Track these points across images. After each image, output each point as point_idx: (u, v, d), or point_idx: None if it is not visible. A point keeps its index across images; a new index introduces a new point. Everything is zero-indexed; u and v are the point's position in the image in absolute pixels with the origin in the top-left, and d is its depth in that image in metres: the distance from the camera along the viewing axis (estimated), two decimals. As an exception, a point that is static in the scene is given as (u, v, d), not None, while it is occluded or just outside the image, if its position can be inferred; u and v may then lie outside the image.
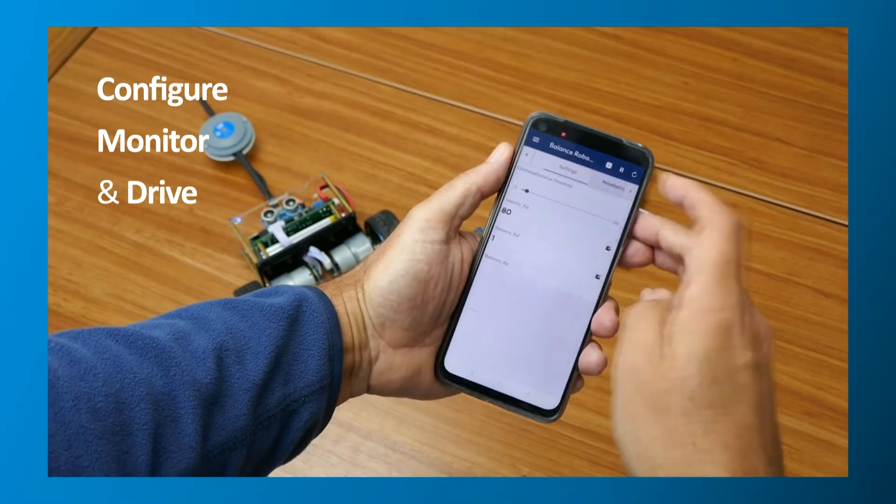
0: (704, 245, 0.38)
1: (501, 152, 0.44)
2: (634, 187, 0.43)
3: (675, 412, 0.36)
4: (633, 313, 0.39)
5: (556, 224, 0.43)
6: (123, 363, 0.37)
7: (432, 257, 0.42)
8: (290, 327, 0.42)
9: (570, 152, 0.43)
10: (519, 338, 0.44)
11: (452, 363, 0.44)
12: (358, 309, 0.44)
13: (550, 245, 0.43)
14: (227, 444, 0.39)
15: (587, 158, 0.43)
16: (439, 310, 0.44)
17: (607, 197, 0.43)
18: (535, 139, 0.44)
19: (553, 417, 0.44)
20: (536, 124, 0.44)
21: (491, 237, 0.44)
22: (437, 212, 0.43)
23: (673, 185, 0.41)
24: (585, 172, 0.43)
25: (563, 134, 0.43)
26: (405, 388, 0.45)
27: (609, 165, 0.43)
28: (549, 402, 0.43)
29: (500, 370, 0.44)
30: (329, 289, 0.45)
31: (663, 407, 0.36)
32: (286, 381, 0.41)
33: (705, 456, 0.35)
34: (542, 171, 0.43)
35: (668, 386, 0.36)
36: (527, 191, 0.44)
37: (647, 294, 0.42)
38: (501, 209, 0.44)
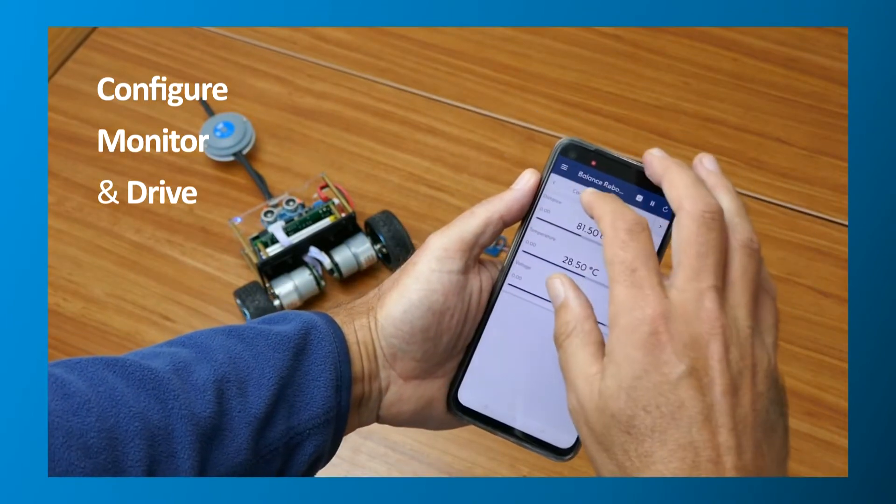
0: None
1: (527, 179, 0.41)
2: (665, 222, 0.40)
3: (618, 449, 0.34)
4: (566, 348, 0.37)
5: (581, 257, 0.41)
6: (119, 396, 0.36)
7: (449, 288, 0.40)
8: (296, 357, 0.40)
9: (600, 182, 0.40)
10: (536, 372, 0.41)
11: (466, 396, 0.42)
12: (369, 338, 0.42)
13: (574, 278, 0.40)
14: None
15: (617, 190, 0.40)
16: (454, 341, 0.42)
17: None
18: (564, 167, 0.41)
19: (567, 457, 0.41)
20: (566, 151, 0.41)
21: (512, 267, 0.41)
22: (455, 240, 0.40)
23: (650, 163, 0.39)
24: None
25: (594, 163, 0.41)
26: (416, 420, 0.44)
27: (640, 198, 0.40)
28: (564, 440, 0.41)
29: (515, 405, 0.42)
30: (340, 315, 0.43)
31: (609, 445, 0.34)
32: (290, 413, 0.40)
33: None
34: (569, 200, 0.41)
35: (606, 422, 0.34)
36: (552, 221, 0.41)
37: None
38: (524, 238, 0.41)
